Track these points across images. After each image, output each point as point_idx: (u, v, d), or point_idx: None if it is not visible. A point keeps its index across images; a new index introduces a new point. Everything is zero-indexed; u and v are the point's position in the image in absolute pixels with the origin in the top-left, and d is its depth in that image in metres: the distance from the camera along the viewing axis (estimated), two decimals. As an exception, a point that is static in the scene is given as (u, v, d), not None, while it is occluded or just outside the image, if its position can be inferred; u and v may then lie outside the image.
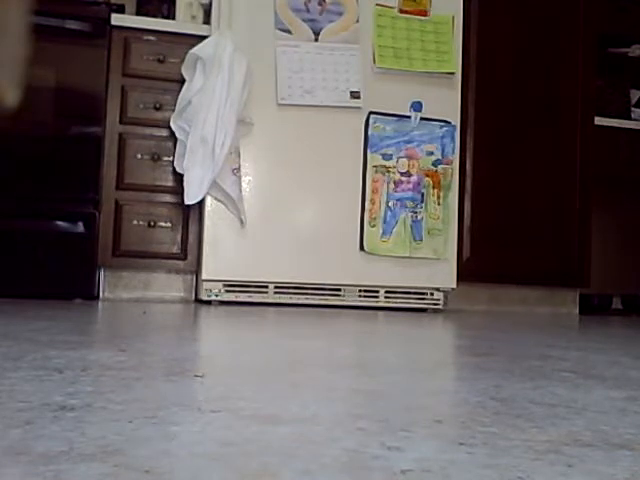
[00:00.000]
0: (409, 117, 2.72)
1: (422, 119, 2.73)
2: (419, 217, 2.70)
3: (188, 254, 2.66)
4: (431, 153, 2.72)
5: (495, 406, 0.76)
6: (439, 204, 2.73)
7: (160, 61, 2.66)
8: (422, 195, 2.71)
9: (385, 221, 2.66)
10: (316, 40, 2.62)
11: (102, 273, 2.65)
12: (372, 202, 2.65)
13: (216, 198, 2.51)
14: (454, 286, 2.79)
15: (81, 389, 0.75)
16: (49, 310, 1.93)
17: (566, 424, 0.67)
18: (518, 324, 2.31)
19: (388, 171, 2.67)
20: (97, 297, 2.61)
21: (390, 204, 2.67)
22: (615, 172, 3.41)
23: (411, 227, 2.68)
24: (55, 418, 0.61)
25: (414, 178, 2.69)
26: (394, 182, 2.68)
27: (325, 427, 0.62)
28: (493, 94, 3.04)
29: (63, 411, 0.63)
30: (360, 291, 2.68)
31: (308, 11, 2.62)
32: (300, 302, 2.60)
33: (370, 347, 1.46)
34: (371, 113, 2.67)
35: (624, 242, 3.74)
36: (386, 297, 2.70)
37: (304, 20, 2.62)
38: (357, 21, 2.68)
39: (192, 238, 2.66)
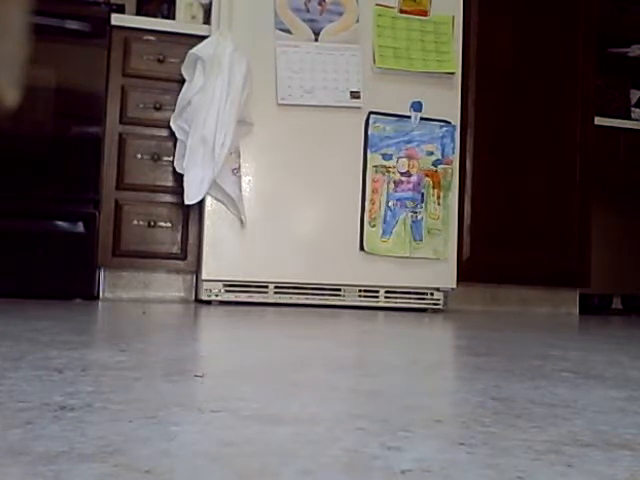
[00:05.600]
0: (409, 117, 2.72)
1: (422, 119, 2.73)
2: (419, 217, 2.70)
3: (188, 254, 2.66)
4: (431, 153, 2.72)
5: (495, 406, 0.76)
6: (439, 204, 2.73)
7: (160, 61, 2.66)
8: (422, 195, 2.70)
9: (385, 221, 2.66)
10: (316, 40, 2.62)
11: (102, 273, 2.65)
12: (372, 202, 2.65)
13: (216, 198, 2.51)
14: (454, 286, 2.79)
15: (81, 389, 0.75)
16: (49, 310, 1.93)
17: (566, 424, 0.67)
18: (518, 324, 2.31)
19: (388, 171, 2.67)
20: (97, 297, 2.61)
21: (390, 204, 2.67)
22: (615, 172, 3.41)
23: (411, 227, 2.68)
24: (55, 418, 0.61)
25: (414, 178, 2.69)
26: (394, 182, 2.68)
27: (325, 427, 0.62)
28: (493, 94, 3.04)
29: (63, 411, 0.63)
30: (360, 291, 2.68)
31: (308, 11, 2.62)
32: (300, 302, 2.60)
33: (370, 347, 1.46)
34: (371, 113, 2.67)
35: (624, 242, 3.74)
36: (386, 297, 2.70)
37: (304, 20, 2.62)
38: (357, 21, 2.68)
39: (192, 238, 2.66)
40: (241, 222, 2.52)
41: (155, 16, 2.85)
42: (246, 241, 2.54)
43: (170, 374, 0.89)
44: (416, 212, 2.69)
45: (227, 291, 2.55)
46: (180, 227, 2.66)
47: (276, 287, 2.59)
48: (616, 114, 3.52)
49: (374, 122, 2.67)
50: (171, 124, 2.56)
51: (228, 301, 2.54)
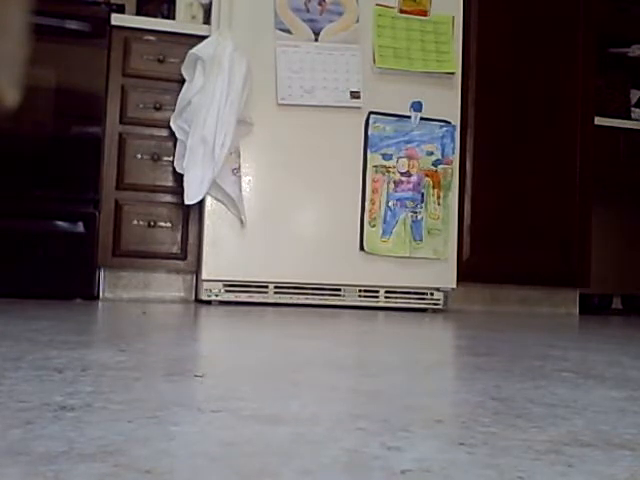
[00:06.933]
0: (409, 117, 2.72)
1: (422, 119, 2.73)
2: (419, 217, 2.70)
3: (188, 254, 2.66)
4: (431, 153, 2.72)
5: (495, 406, 0.75)
6: (439, 204, 2.73)
7: (160, 61, 2.66)
8: (422, 195, 2.70)
9: (385, 221, 2.66)
10: (316, 40, 2.62)
11: (102, 273, 2.65)
12: (372, 202, 2.65)
13: (216, 198, 2.51)
14: (454, 286, 2.79)
15: (81, 389, 0.75)
16: (49, 310, 1.93)
17: (566, 424, 0.67)
18: (518, 324, 2.31)
19: (388, 171, 2.67)
20: (97, 297, 2.61)
21: (390, 204, 2.67)
22: (615, 172, 3.41)
23: (411, 227, 2.68)
24: (55, 418, 0.61)
25: (414, 178, 2.69)
26: (394, 182, 2.68)
27: (325, 427, 0.62)
28: (493, 94, 3.04)
29: (63, 411, 0.63)
30: (360, 291, 2.68)
31: (308, 11, 2.62)
32: (300, 302, 2.60)
33: (370, 347, 1.46)
34: (371, 113, 2.67)
35: (624, 242, 3.74)
36: (386, 297, 2.70)
37: (304, 20, 2.61)
38: (357, 21, 2.68)
39: (192, 238, 2.66)
40: (241, 222, 2.52)
41: (155, 16, 2.85)
42: (246, 241, 2.55)
43: (170, 374, 0.89)
44: (416, 212, 2.69)
45: (227, 291, 2.55)
46: (180, 227, 2.66)
47: (276, 287, 2.59)
48: (616, 114, 3.52)
49: (374, 122, 2.67)
50: (171, 124, 2.56)
51: (228, 301, 2.54)
